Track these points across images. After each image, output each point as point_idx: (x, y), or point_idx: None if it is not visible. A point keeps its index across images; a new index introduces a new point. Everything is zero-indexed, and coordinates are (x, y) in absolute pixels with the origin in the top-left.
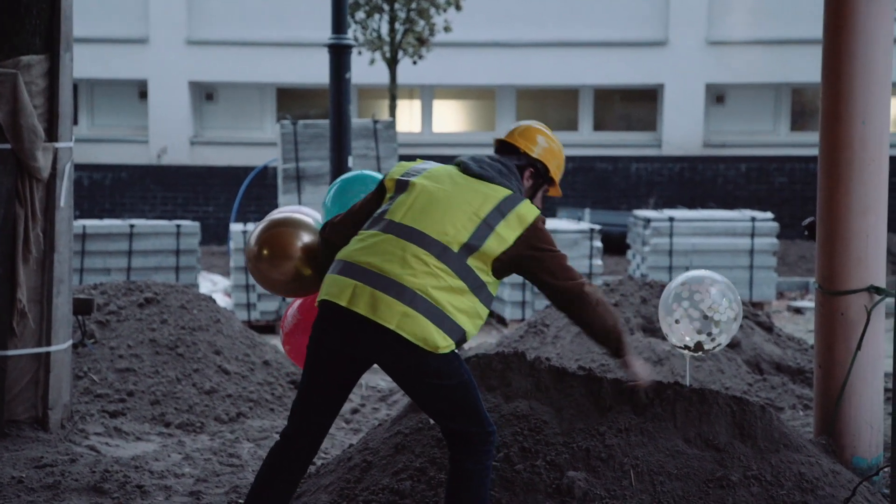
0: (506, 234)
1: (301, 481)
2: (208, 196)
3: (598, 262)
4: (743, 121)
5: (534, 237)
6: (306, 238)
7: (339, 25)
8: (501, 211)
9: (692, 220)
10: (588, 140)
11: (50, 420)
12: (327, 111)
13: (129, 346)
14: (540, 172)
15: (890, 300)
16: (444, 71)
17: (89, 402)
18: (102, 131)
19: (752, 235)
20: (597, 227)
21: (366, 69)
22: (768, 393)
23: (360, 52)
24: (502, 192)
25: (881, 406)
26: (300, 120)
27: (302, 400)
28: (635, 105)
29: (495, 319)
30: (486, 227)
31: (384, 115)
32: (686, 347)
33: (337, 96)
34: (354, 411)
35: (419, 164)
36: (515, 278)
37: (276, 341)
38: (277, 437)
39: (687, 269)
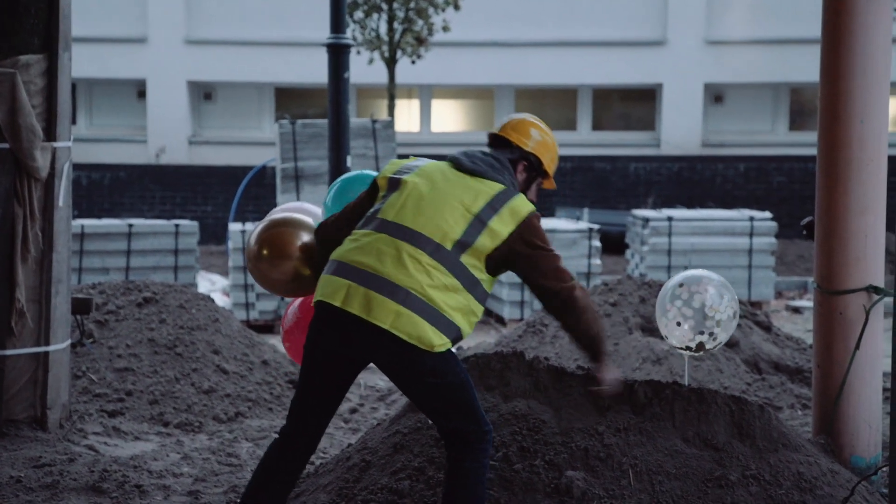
0: (499, 229)
1: (300, 480)
2: (207, 196)
3: (596, 261)
4: (741, 120)
5: (527, 232)
6: (306, 238)
7: (337, 25)
8: (494, 206)
9: (691, 220)
10: (587, 140)
11: (48, 420)
12: (326, 111)
13: (127, 345)
14: (533, 165)
15: (888, 299)
16: (443, 70)
17: (88, 402)
18: (101, 131)
19: (751, 235)
20: (595, 226)
21: (364, 69)
22: (767, 392)
23: (358, 52)
24: (495, 188)
25: (879, 405)
26: (299, 119)
27: (299, 400)
28: (634, 105)
29: (494, 319)
30: (479, 223)
31: (383, 115)
32: (687, 348)
33: (335, 96)
34: (353, 411)
35: (412, 162)
36: (514, 278)
37: (274, 341)
38: (276, 435)
39: (685, 268)
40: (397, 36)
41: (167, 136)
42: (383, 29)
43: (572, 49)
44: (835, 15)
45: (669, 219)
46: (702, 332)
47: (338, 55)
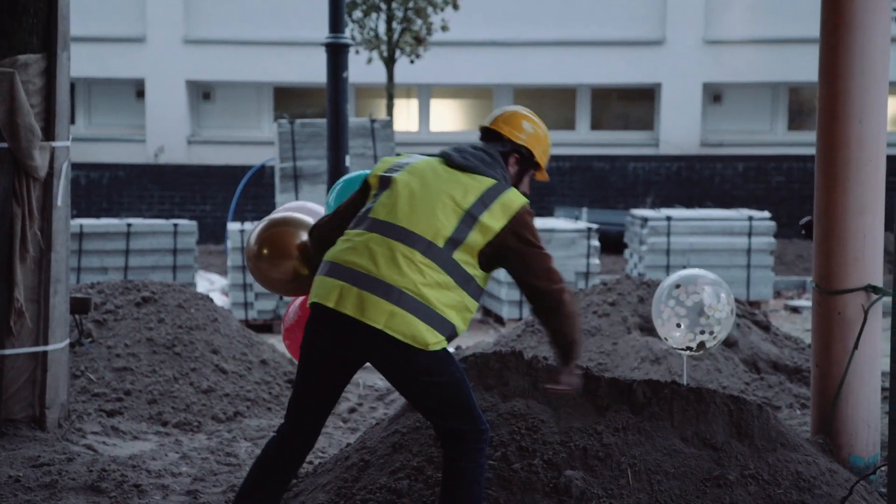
0: (490, 224)
1: (299, 479)
2: (205, 195)
3: (595, 261)
4: (740, 120)
5: (519, 226)
6: (305, 237)
7: (336, 24)
8: (485, 202)
9: (689, 220)
10: (585, 139)
11: (47, 419)
12: (324, 110)
13: (126, 345)
14: (525, 158)
15: (887, 299)
16: (442, 70)
17: (86, 402)
18: (99, 130)
19: (750, 235)
20: (594, 226)
21: (363, 68)
22: (765, 392)
23: (357, 52)
24: (486, 183)
25: (878, 405)
26: (297, 119)
27: (296, 400)
28: (633, 104)
29: (493, 319)
30: (470, 218)
31: (381, 115)
32: (688, 349)
33: (334, 95)
34: (352, 410)
35: (403, 159)
36: None
37: (273, 340)
38: (274, 434)
39: (684, 268)
40: (396, 35)
41: (166, 135)
42: (382, 28)
43: (571, 49)
44: (834, 14)
45: (668, 218)
46: (702, 332)
47: (336, 55)
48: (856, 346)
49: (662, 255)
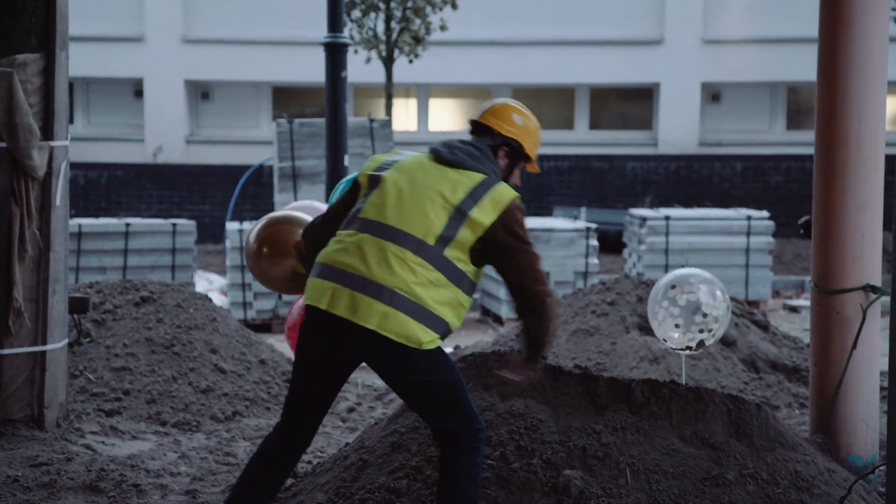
0: (480, 219)
1: (297, 479)
2: (204, 195)
3: (594, 260)
4: (739, 119)
5: (509, 220)
6: None
7: (334, 24)
8: (474, 197)
9: (688, 219)
10: (584, 139)
11: (46, 419)
12: (323, 110)
13: (124, 344)
14: (515, 150)
15: (885, 298)
16: (440, 69)
17: (85, 401)
18: (98, 130)
19: (748, 234)
20: (593, 225)
21: (362, 68)
22: (764, 391)
23: (356, 51)
24: (475, 178)
25: (877, 404)
26: (296, 118)
27: (292, 400)
28: (631, 104)
29: (491, 318)
30: (460, 214)
31: (380, 114)
32: (688, 348)
33: (333, 95)
34: (351, 410)
35: (392, 157)
36: None
37: (272, 340)
38: (271, 431)
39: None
40: (395, 35)
41: (164, 135)
42: (381, 28)
43: (570, 48)
44: (832, 14)
45: (667, 218)
46: (701, 331)
47: (335, 54)
48: (854, 346)
49: (661, 255)
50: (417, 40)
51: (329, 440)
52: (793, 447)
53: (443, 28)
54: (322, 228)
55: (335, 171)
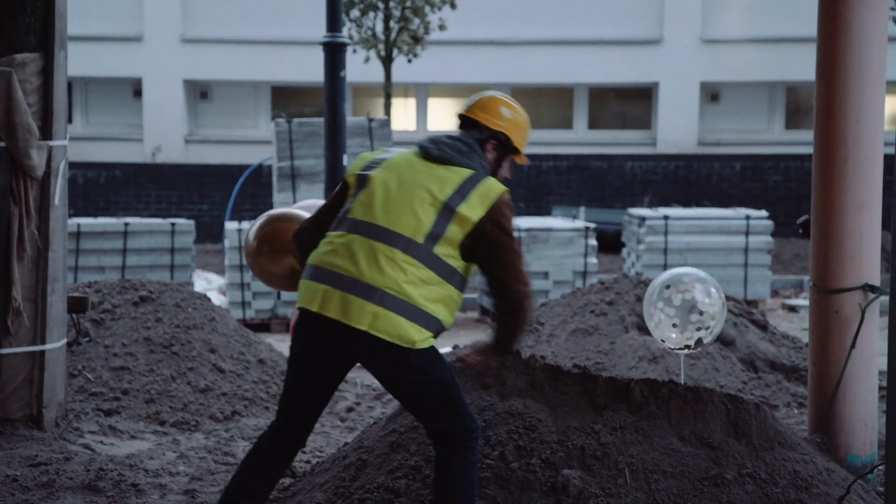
0: (468, 215)
1: (297, 478)
2: (203, 194)
3: (592, 260)
4: (738, 119)
5: (497, 214)
6: None
7: (333, 23)
8: (462, 193)
9: (687, 219)
10: (583, 138)
11: (44, 418)
12: (322, 109)
13: (123, 344)
14: (503, 143)
15: (884, 298)
16: (439, 69)
17: (84, 401)
18: (97, 129)
19: (747, 234)
20: (592, 225)
21: (361, 67)
22: (763, 391)
23: (354, 51)
24: (463, 174)
25: (875, 404)
26: (295, 118)
27: (287, 398)
28: (630, 103)
29: (490, 318)
30: (448, 211)
31: (379, 114)
32: (686, 347)
33: (332, 94)
34: (349, 409)
35: (380, 154)
36: None
37: (270, 339)
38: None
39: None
40: (393, 34)
41: (163, 134)
42: (379, 27)
43: (568, 48)
44: (830, 13)
45: (666, 217)
46: (698, 329)
47: (334, 54)
48: (853, 345)
49: (660, 254)
50: (416, 40)
51: (328, 440)
52: (791, 447)
53: (441, 27)
54: (312, 230)
55: (334, 170)
